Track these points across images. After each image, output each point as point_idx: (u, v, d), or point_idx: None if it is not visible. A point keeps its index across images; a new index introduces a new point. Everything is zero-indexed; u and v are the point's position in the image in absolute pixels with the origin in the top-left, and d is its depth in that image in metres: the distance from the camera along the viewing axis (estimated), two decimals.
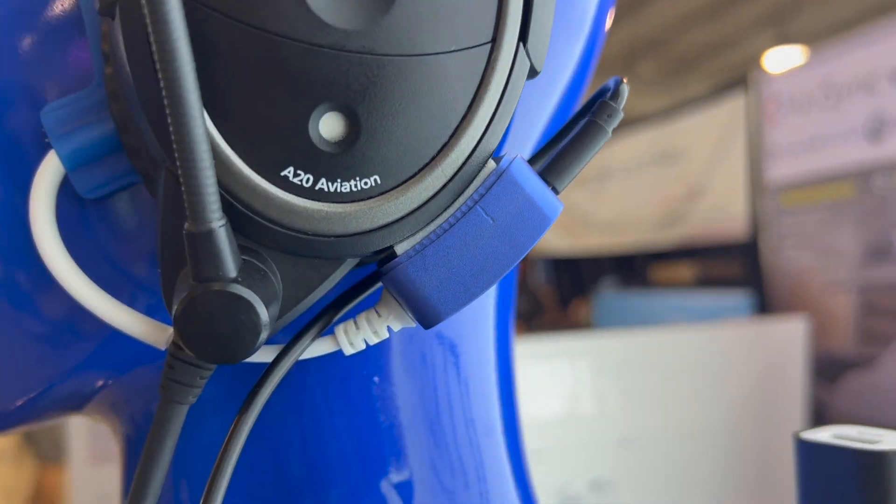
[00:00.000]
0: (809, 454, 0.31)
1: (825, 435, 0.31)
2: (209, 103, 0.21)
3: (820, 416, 1.50)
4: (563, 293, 4.13)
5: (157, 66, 0.19)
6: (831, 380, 1.58)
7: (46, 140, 0.25)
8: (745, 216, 2.62)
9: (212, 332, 0.21)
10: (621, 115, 0.26)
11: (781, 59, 2.65)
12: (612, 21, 0.37)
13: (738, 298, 2.60)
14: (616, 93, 0.26)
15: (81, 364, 0.29)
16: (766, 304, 2.32)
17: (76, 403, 0.31)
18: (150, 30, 0.19)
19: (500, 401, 0.33)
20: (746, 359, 1.23)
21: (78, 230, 0.27)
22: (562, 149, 0.25)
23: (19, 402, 0.30)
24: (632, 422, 1.17)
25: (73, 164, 0.25)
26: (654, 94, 5.16)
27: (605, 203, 3.68)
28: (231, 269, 0.21)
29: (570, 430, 1.14)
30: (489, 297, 0.33)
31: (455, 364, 0.32)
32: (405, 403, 0.30)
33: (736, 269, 2.82)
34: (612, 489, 1.12)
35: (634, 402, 1.17)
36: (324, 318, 0.26)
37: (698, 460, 1.19)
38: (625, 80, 0.27)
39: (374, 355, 0.30)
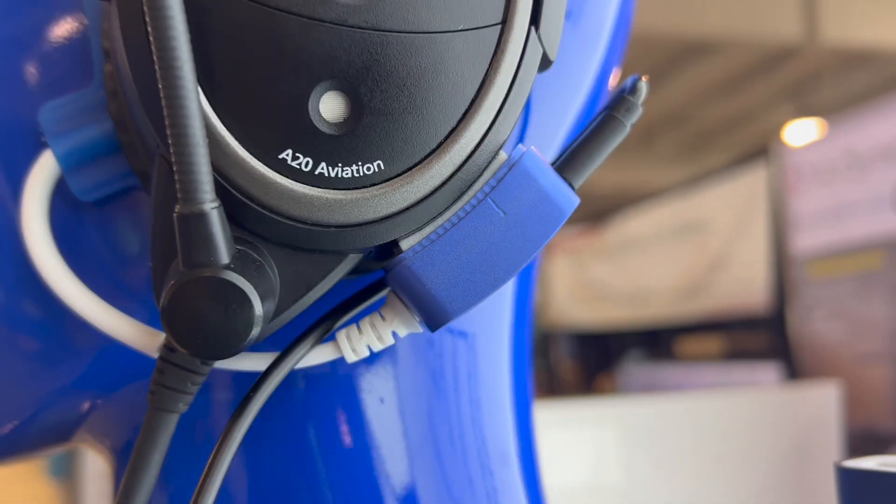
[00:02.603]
0: (854, 483, 0.28)
1: (871, 463, 0.29)
2: (205, 82, 0.20)
3: None
4: (587, 368, 4.06)
5: (150, 37, 0.18)
6: (873, 455, 1.53)
7: (43, 139, 0.24)
8: (768, 288, 2.58)
9: (201, 322, 0.19)
10: (640, 111, 0.25)
11: (802, 132, 2.66)
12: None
13: (767, 371, 2.54)
14: (634, 88, 0.25)
15: (73, 383, 0.27)
16: (796, 377, 2.27)
17: (65, 431, 0.29)
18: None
19: (516, 427, 0.31)
20: (778, 426, 1.19)
21: (74, 238, 0.26)
22: (578, 143, 0.24)
23: (8, 428, 0.28)
24: (659, 492, 1.13)
25: (70, 164, 0.24)
26: (673, 168, 5.19)
27: (626, 276, 3.65)
28: (224, 254, 0.19)
29: (595, 500, 1.10)
30: (504, 313, 0.32)
31: (467, 386, 0.30)
32: (412, 428, 0.28)
33: (763, 341, 2.77)
34: None
35: (661, 472, 1.12)
36: (324, 324, 0.24)
37: None
38: (644, 78, 0.25)
39: (380, 375, 0.28)
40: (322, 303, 0.25)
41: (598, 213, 4.03)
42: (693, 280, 3.07)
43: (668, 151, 5.42)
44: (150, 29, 0.18)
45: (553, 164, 0.24)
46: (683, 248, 3.16)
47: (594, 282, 3.91)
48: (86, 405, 0.28)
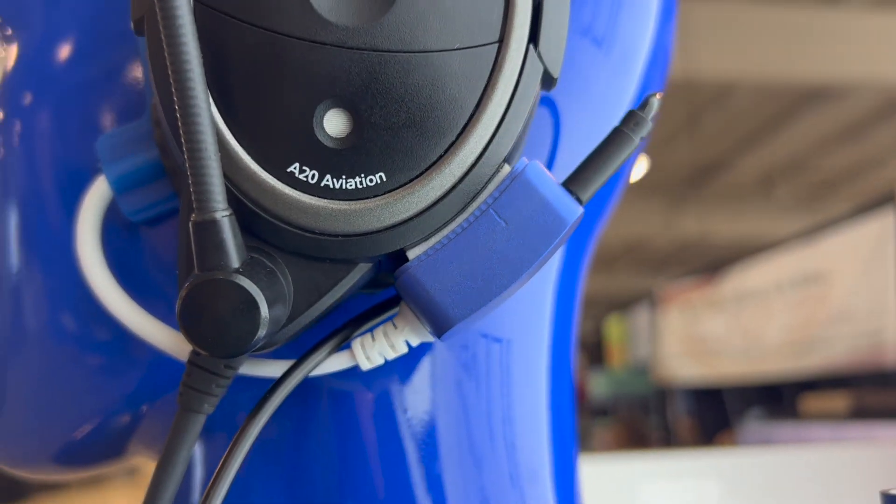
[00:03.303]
0: None
1: None
2: (220, 102, 0.22)
3: None
4: (704, 426, 3.90)
5: (167, 61, 0.20)
6: None
7: (99, 166, 0.27)
8: None
9: (211, 321, 0.21)
10: (649, 125, 0.25)
11: None
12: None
13: None
14: (645, 103, 0.25)
15: (133, 392, 0.30)
16: None
17: (123, 441, 0.31)
18: (160, 27, 0.20)
19: (552, 443, 0.31)
20: None
21: (127, 255, 0.29)
22: (587, 157, 0.25)
23: (81, 434, 0.31)
24: None
25: (120, 188, 0.27)
26: (793, 218, 5.00)
27: (743, 329, 3.51)
28: (234, 259, 0.21)
29: None
30: (542, 320, 0.32)
31: (499, 393, 0.30)
32: (438, 438, 0.29)
33: (895, 398, 2.60)
34: None
35: None
36: (342, 333, 0.26)
37: None
38: (657, 95, 0.26)
39: (408, 385, 0.29)
40: (343, 315, 0.26)
41: (713, 264, 3.91)
42: (813, 333, 2.93)
43: (787, 201, 5.23)
44: (167, 55, 0.20)
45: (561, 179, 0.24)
46: (803, 300, 3.02)
47: (709, 336, 3.79)
48: (139, 413, 0.30)
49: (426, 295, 0.23)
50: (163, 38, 0.20)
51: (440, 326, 0.23)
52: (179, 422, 0.24)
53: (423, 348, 0.30)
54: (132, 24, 0.23)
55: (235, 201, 0.22)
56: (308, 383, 0.29)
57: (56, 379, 0.31)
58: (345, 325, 0.26)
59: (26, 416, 0.32)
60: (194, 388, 0.24)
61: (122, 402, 0.30)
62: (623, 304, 5.30)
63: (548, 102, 0.31)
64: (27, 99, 0.31)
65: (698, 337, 3.89)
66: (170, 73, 0.20)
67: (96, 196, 0.27)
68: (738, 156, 4.80)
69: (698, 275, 4.01)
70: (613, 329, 5.35)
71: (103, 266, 0.27)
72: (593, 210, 0.35)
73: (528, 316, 0.32)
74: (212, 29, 0.21)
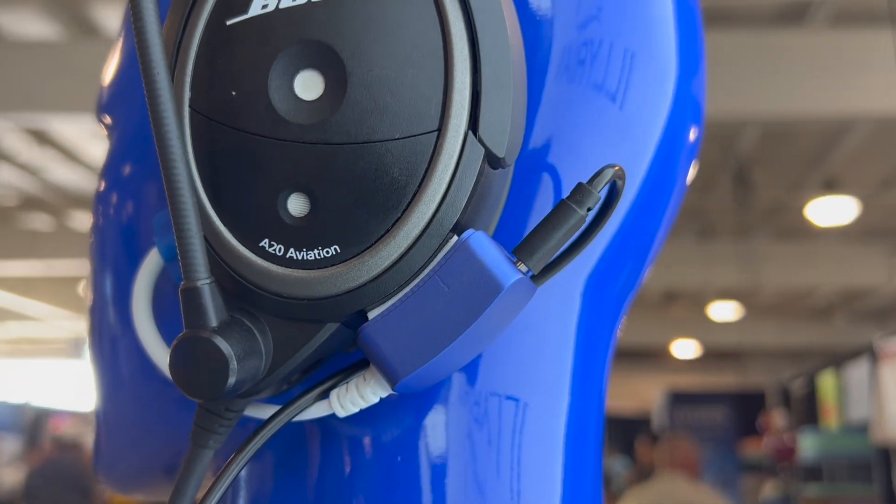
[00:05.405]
0: None
1: None
2: (207, 188, 0.26)
3: None
4: None
5: (158, 159, 0.25)
6: None
7: (153, 238, 0.33)
8: None
9: (190, 370, 0.25)
10: (598, 198, 0.27)
11: None
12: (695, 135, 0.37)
13: None
14: (597, 175, 0.27)
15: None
16: None
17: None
18: (152, 128, 0.25)
19: (562, 496, 0.33)
20: None
21: (177, 313, 0.34)
22: (534, 227, 0.27)
23: (173, 452, 0.37)
24: None
25: (169, 256, 0.32)
26: None
27: None
28: (211, 320, 0.25)
29: None
30: (559, 388, 0.33)
31: (510, 455, 0.32)
32: (447, 488, 0.31)
33: None
34: None
35: None
36: (327, 384, 0.29)
37: None
38: (615, 167, 0.28)
39: (421, 434, 0.32)
40: (331, 367, 0.30)
41: None
42: None
43: None
44: (158, 157, 0.25)
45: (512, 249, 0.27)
46: None
47: None
48: None
49: (378, 351, 0.26)
50: (154, 139, 0.25)
51: (391, 379, 0.26)
52: (190, 455, 0.29)
53: (434, 400, 0.32)
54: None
55: (223, 271, 0.27)
56: (327, 431, 0.33)
57: (146, 410, 0.37)
58: (329, 376, 0.30)
59: (126, 442, 0.39)
60: (201, 426, 0.28)
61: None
62: (838, 359, 4.91)
63: (549, 168, 0.33)
64: (126, 171, 0.38)
65: None
66: (161, 169, 0.25)
67: (151, 263, 0.33)
68: None
69: None
70: (827, 384, 4.96)
71: (150, 321, 0.33)
72: (618, 281, 0.36)
73: (545, 374, 0.33)
74: (200, 130, 0.26)
